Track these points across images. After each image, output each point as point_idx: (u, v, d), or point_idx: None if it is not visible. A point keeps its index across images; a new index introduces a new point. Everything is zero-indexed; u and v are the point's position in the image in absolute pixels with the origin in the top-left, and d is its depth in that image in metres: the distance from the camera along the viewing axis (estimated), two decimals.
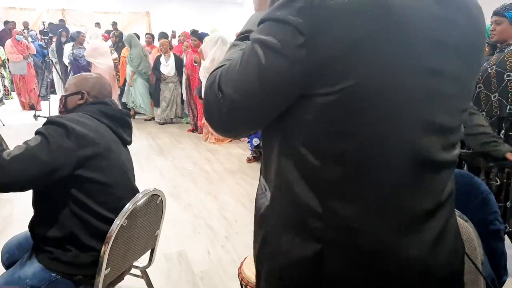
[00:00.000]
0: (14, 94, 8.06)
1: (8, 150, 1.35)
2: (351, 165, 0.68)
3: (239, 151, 5.27)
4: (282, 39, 0.63)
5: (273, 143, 0.77)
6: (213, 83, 0.72)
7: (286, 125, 0.72)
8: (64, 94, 1.68)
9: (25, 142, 1.38)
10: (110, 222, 1.49)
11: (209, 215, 3.31)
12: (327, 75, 0.62)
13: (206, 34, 6.82)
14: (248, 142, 5.00)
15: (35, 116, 6.72)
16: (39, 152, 1.34)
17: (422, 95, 0.67)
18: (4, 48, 7.64)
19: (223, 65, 0.74)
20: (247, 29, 0.82)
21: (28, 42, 7.78)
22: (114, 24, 11.62)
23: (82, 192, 1.46)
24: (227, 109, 0.70)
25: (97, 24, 11.57)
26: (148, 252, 1.79)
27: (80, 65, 6.86)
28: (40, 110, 7.10)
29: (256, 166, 4.63)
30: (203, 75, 5.33)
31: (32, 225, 1.55)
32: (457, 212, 1.22)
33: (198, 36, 6.35)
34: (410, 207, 0.71)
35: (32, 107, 7.48)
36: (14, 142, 1.53)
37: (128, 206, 1.49)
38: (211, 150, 5.32)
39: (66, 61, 6.78)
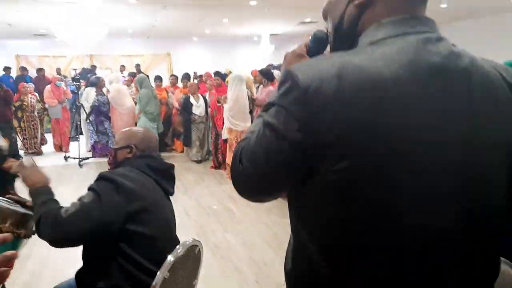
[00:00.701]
0: (48, 135, 8.42)
1: (65, 207, 1.45)
2: (353, 240, 0.71)
3: None
4: (283, 123, 0.70)
5: (290, 202, 0.83)
6: (237, 153, 0.81)
7: (296, 193, 0.78)
8: (114, 147, 1.79)
9: (80, 199, 1.50)
10: (152, 274, 1.53)
11: (237, 258, 3.31)
12: (324, 157, 0.67)
13: (225, 75, 7.08)
14: None
15: (65, 158, 6.96)
16: (92, 209, 1.45)
17: (421, 178, 0.67)
18: (42, 94, 8.04)
19: (247, 138, 0.82)
20: (270, 101, 0.88)
21: (66, 88, 8.22)
22: (138, 66, 12.15)
23: (129, 246, 1.53)
24: (244, 178, 0.79)
25: (122, 67, 12.11)
26: None
27: (102, 110, 7.17)
28: (69, 151, 7.36)
29: (282, 205, 4.62)
30: (226, 116, 5.49)
31: (80, 275, 1.62)
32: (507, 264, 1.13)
33: (221, 76, 6.58)
34: None
35: (61, 149, 7.76)
36: None
37: (170, 259, 1.53)
38: None
39: (85, 104, 7.09)
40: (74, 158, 6.85)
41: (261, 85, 5.92)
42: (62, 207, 1.49)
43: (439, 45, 0.71)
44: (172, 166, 1.82)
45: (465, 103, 0.69)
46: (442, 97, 0.68)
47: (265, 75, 5.82)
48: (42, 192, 1.54)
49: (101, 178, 1.57)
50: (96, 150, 7.26)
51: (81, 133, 7.51)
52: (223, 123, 5.86)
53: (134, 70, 11.77)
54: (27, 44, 12.65)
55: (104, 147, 7.23)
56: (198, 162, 6.83)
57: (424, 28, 0.73)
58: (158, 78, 7.64)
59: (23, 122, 7.43)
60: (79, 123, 7.45)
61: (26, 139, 7.49)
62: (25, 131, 7.47)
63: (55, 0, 7.04)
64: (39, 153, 7.61)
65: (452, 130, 0.68)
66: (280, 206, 4.55)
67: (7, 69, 11.31)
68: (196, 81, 7.92)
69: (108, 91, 7.24)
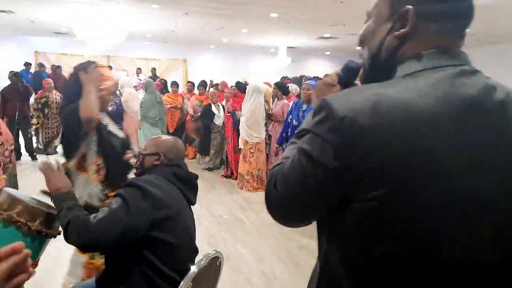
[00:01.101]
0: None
1: (93, 214, 1.46)
2: (386, 266, 0.71)
3: None
4: (319, 151, 0.71)
5: (322, 229, 0.83)
6: (271, 178, 0.82)
7: (329, 218, 0.78)
8: (142, 152, 1.80)
9: (107, 205, 1.51)
10: (173, 282, 1.54)
11: (248, 269, 3.29)
12: (359, 185, 0.68)
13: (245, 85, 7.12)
14: None
15: None
16: (120, 215, 1.45)
17: (456, 209, 0.67)
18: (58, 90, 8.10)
19: (281, 162, 0.83)
20: (304, 128, 0.88)
21: None
22: (153, 70, 12.29)
23: (152, 253, 1.54)
24: (279, 203, 0.80)
25: (139, 69, 12.25)
26: None
27: (120, 111, 7.26)
28: None
29: None
30: (242, 127, 5.52)
31: (101, 279, 1.63)
32: None
33: (241, 86, 6.55)
34: None
35: None
36: None
37: (194, 269, 1.53)
38: (245, 198, 5.35)
39: None
40: None
41: (276, 98, 5.93)
42: (89, 213, 1.50)
43: (473, 78, 0.72)
44: (196, 176, 1.84)
45: (501, 135, 0.69)
46: (477, 129, 0.68)
47: (281, 88, 5.85)
48: (67, 197, 1.55)
49: (128, 184, 1.58)
50: None
51: None
52: (230, 132, 5.99)
53: (150, 74, 11.92)
54: (47, 41, 12.87)
55: None
56: (209, 170, 6.85)
57: (459, 61, 0.75)
58: (175, 84, 7.71)
59: (47, 119, 7.19)
60: None
61: (49, 137, 7.22)
62: (48, 129, 7.21)
63: (78, 0, 7.16)
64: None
65: (488, 162, 0.68)
66: None
67: (27, 64, 11.48)
68: (212, 89, 7.97)
69: (120, 94, 7.31)
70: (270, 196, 0.81)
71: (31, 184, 5.52)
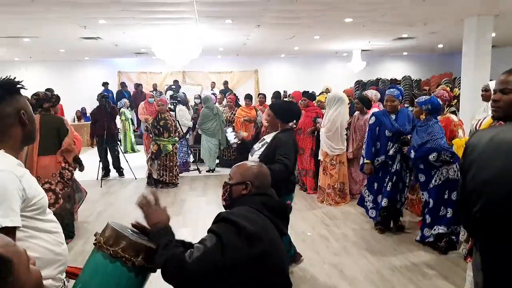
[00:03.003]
0: (140, 147, 9.19)
1: (189, 252, 1.42)
2: None
3: (357, 214, 4.99)
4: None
5: None
6: None
7: None
8: (228, 182, 1.72)
9: (202, 242, 1.45)
10: None
11: None
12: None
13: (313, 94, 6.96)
14: (360, 204, 4.61)
15: None
16: (215, 254, 1.39)
17: None
18: (137, 109, 8.59)
19: None
20: None
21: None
22: (225, 83, 12.60)
23: None
24: None
25: (213, 83, 12.65)
26: None
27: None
28: None
29: (382, 238, 4.26)
30: (322, 139, 5.33)
31: None
32: None
33: (308, 96, 6.40)
34: None
35: None
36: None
37: None
38: (327, 212, 5.14)
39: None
40: None
41: (358, 112, 5.56)
42: (185, 250, 1.45)
43: None
44: (288, 207, 1.73)
45: None
46: None
47: (366, 103, 5.46)
48: (164, 233, 1.52)
49: (221, 220, 1.51)
50: (186, 166, 7.51)
51: None
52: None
53: (222, 87, 12.20)
54: (128, 61, 13.78)
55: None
56: None
57: None
58: (248, 97, 7.75)
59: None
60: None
61: (166, 166, 6.43)
62: (166, 157, 6.38)
63: (156, 22, 7.49)
64: (175, 184, 6.56)
65: None
66: (380, 238, 4.20)
67: (105, 84, 12.30)
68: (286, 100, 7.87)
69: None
70: None
71: (119, 200, 5.86)
